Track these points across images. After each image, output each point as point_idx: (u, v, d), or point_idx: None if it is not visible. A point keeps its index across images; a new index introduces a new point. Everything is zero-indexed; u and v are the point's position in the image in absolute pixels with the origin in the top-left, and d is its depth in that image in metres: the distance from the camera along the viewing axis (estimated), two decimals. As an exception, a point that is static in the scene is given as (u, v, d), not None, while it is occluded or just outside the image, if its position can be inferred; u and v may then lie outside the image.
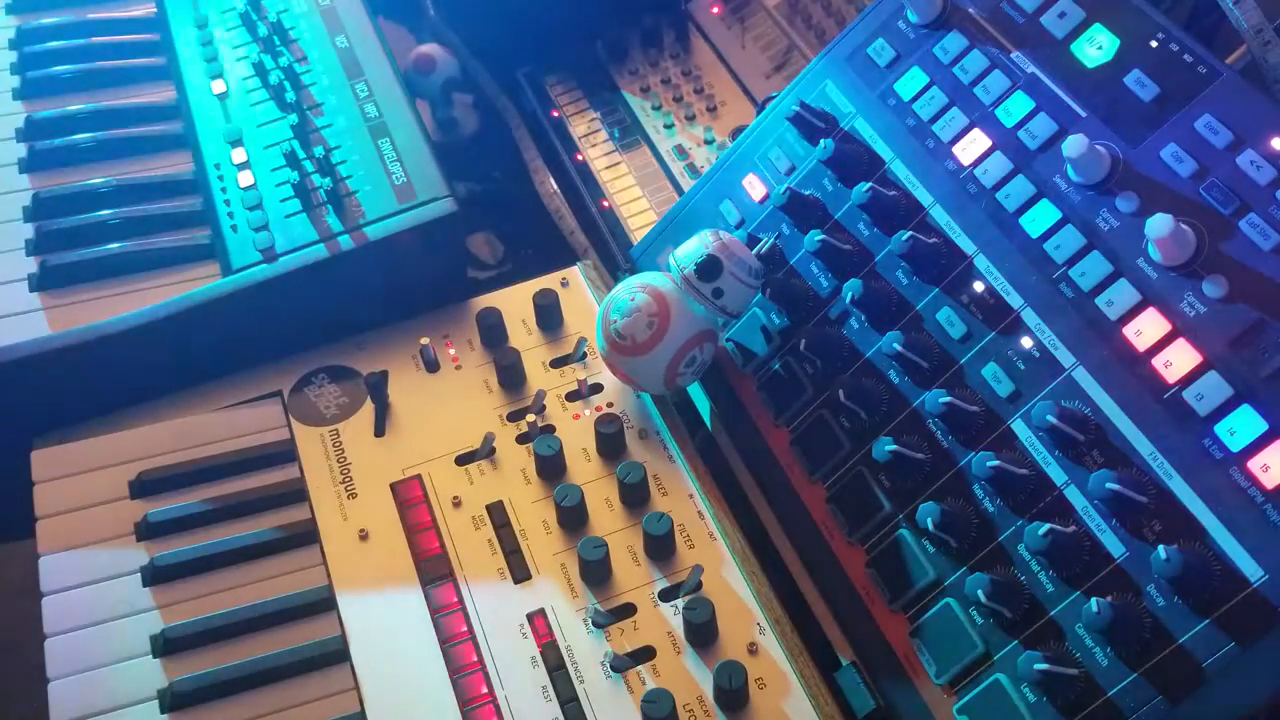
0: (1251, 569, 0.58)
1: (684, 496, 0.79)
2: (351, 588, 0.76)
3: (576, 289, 0.92)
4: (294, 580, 0.77)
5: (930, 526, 0.67)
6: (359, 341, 0.89)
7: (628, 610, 0.74)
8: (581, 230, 1.04)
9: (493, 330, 0.88)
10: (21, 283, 0.88)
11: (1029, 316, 0.70)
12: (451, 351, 0.89)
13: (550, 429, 0.83)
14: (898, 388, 0.74)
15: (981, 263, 0.73)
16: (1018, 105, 0.75)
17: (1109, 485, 0.61)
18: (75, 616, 0.75)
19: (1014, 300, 0.71)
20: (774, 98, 0.89)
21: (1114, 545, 0.63)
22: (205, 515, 0.79)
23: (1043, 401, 0.66)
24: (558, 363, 0.88)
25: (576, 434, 0.83)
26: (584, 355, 0.88)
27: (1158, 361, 0.64)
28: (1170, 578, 0.59)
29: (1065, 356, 0.68)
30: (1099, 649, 0.61)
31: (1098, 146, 0.69)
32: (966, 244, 0.74)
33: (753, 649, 0.72)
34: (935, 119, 0.78)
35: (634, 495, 0.78)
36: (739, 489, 0.81)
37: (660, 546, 0.75)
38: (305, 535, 0.79)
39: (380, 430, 0.84)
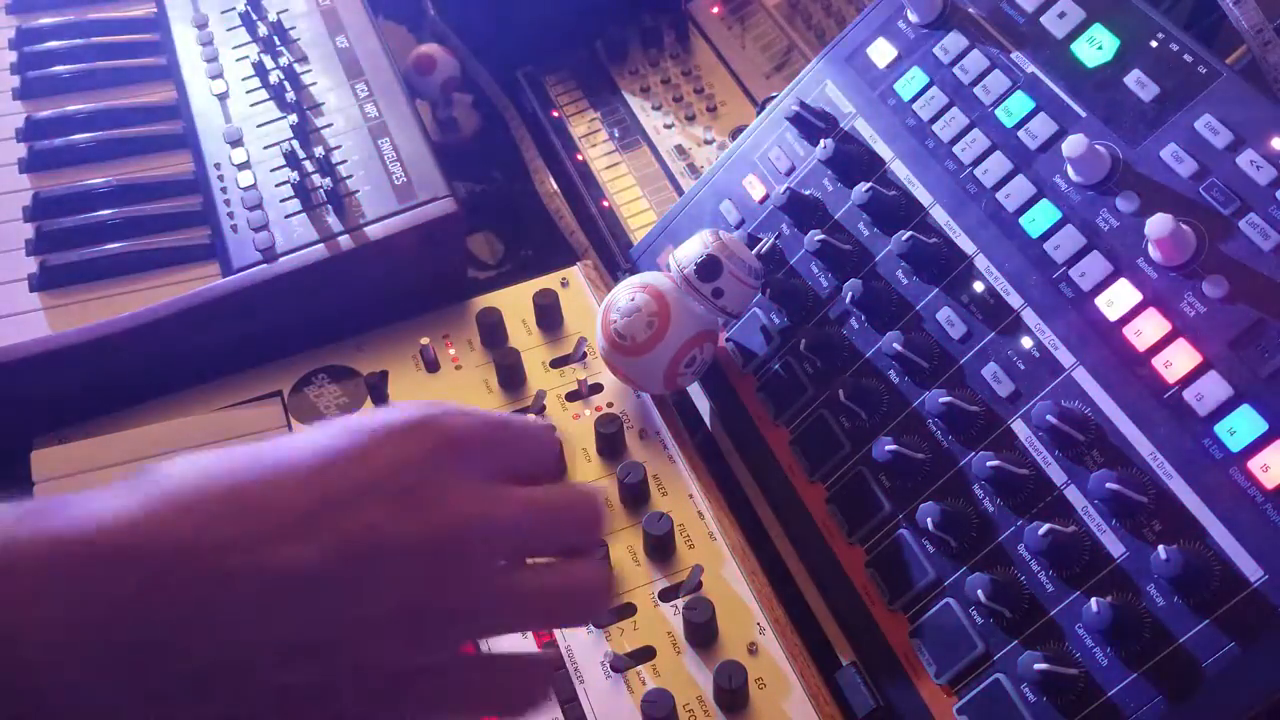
0: (1251, 569, 0.58)
1: (684, 496, 0.79)
2: (351, 588, 0.76)
3: (576, 289, 0.92)
4: (294, 580, 0.77)
5: (930, 526, 0.67)
6: (359, 341, 0.89)
7: (628, 610, 0.74)
8: (581, 230, 1.04)
9: (493, 330, 0.88)
10: (21, 283, 0.88)
11: (1029, 316, 0.70)
12: (451, 351, 0.89)
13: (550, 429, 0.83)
14: (898, 388, 0.74)
15: (981, 263, 0.73)
16: (1018, 105, 0.75)
17: (1109, 485, 0.61)
18: (75, 616, 0.75)
19: (1014, 300, 0.71)
20: (774, 98, 0.89)
21: (1114, 545, 0.63)
22: (205, 515, 0.79)
23: (1043, 401, 0.66)
24: (558, 363, 0.88)
25: (576, 434, 0.83)
26: (584, 355, 0.88)
27: (1158, 361, 0.64)
28: (1170, 578, 0.59)
29: (1065, 356, 0.68)
30: (1099, 649, 0.61)
31: (1098, 146, 0.69)
32: (966, 244, 0.74)
33: (753, 649, 0.72)
34: (935, 119, 0.78)
35: (634, 495, 0.78)
36: (739, 489, 0.81)
37: (660, 546, 0.75)
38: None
39: (380, 430, 0.84)
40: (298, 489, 0.46)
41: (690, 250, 0.78)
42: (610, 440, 0.81)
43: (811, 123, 0.82)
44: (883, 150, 0.80)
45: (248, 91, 0.98)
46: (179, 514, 0.44)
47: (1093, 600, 0.60)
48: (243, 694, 0.45)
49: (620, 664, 0.71)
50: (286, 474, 0.46)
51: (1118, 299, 0.66)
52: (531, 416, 0.59)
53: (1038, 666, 0.60)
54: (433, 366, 0.88)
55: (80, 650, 0.42)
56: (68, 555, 0.43)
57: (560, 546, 0.54)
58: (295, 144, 0.92)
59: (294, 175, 0.89)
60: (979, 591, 0.64)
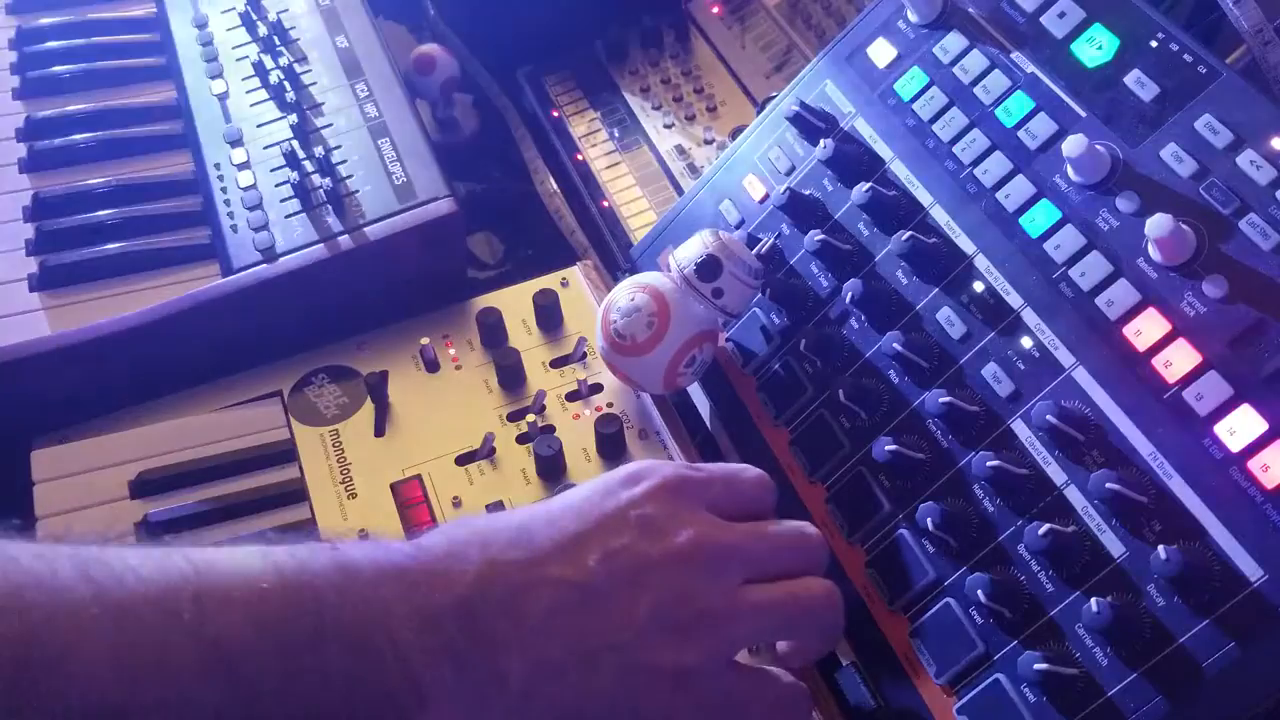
0: (1251, 569, 0.58)
1: (684, 496, 0.79)
2: (351, 588, 0.76)
3: (576, 289, 0.92)
4: (294, 580, 0.77)
5: (930, 526, 0.67)
6: (359, 341, 0.89)
7: (628, 610, 0.74)
8: (581, 230, 1.04)
9: (493, 330, 0.88)
10: (21, 283, 0.88)
11: (1029, 316, 0.70)
12: (451, 351, 0.89)
13: (550, 429, 0.83)
14: (898, 388, 0.74)
15: (981, 263, 0.73)
16: (1018, 105, 0.75)
17: (1109, 485, 0.61)
18: (75, 616, 0.75)
19: (1014, 300, 0.71)
20: (774, 98, 0.89)
21: (1114, 545, 0.63)
22: (205, 515, 0.79)
23: (1043, 401, 0.66)
24: (558, 363, 0.88)
25: (576, 434, 0.83)
26: (584, 355, 0.88)
27: (1158, 361, 0.64)
28: (1170, 578, 0.59)
29: (1065, 356, 0.68)
30: (1099, 649, 0.61)
31: (1098, 146, 0.69)
32: (966, 244, 0.74)
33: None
34: (935, 119, 0.78)
35: (634, 495, 0.78)
36: (739, 489, 0.81)
37: (660, 546, 0.75)
38: (305, 536, 0.79)
39: (380, 430, 0.84)
40: (565, 524, 0.59)
41: (690, 250, 0.78)
42: (610, 440, 0.81)
43: (811, 123, 0.82)
44: (883, 150, 0.80)
45: (248, 91, 0.98)
46: (480, 546, 0.57)
47: (1093, 600, 0.60)
48: (549, 692, 0.55)
49: (620, 664, 0.71)
50: (556, 515, 0.60)
51: (1118, 299, 0.66)
52: (740, 466, 0.69)
53: (1038, 666, 0.60)
54: (433, 366, 0.88)
55: (436, 642, 0.53)
56: (398, 575, 0.54)
57: (786, 569, 0.63)
58: (295, 144, 0.92)
59: (294, 175, 0.89)
60: (979, 591, 0.64)
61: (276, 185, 0.90)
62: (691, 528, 0.60)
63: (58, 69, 1.04)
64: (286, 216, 0.88)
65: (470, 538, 0.58)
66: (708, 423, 0.86)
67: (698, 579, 0.59)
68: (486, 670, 0.54)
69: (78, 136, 0.98)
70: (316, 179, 0.89)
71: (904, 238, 0.74)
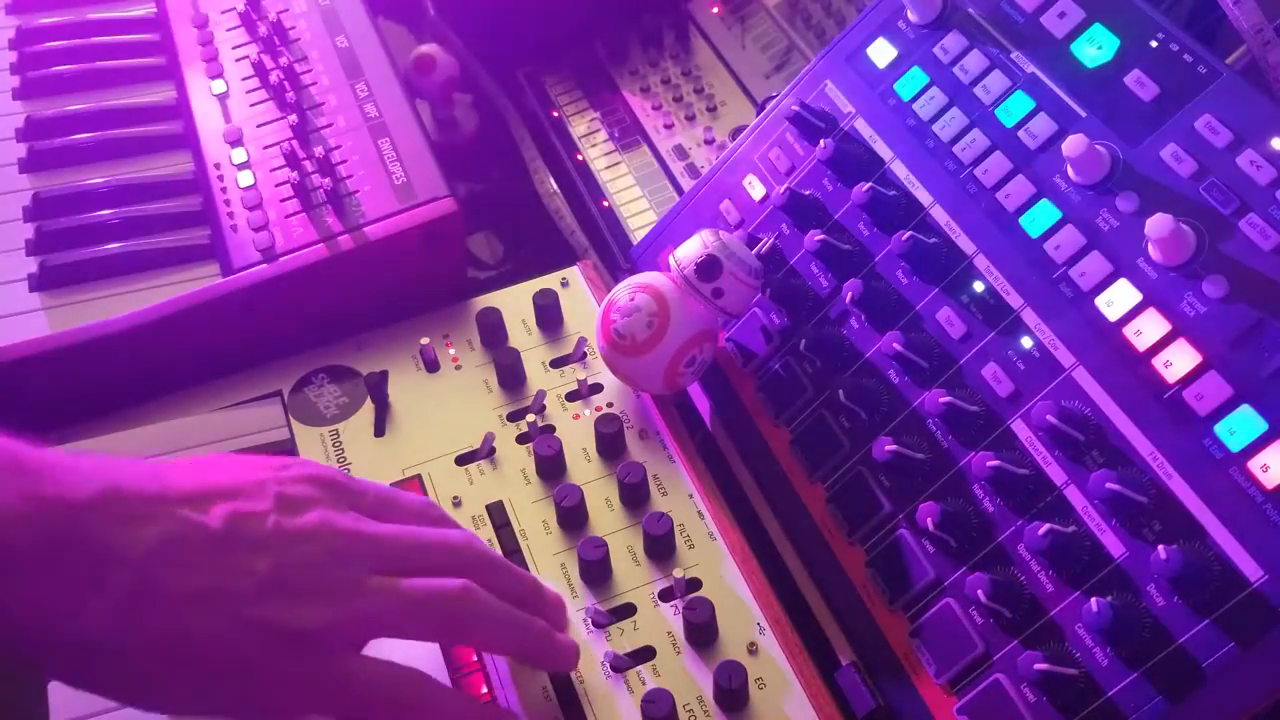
0: (1251, 569, 0.58)
1: (684, 496, 0.79)
2: (351, 588, 0.76)
3: (576, 289, 0.92)
4: (294, 580, 0.77)
5: (930, 526, 0.67)
6: (359, 341, 0.89)
7: (628, 610, 0.74)
8: (581, 230, 1.04)
9: (493, 330, 0.88)
10: (21, 283, 0.88)
11: (1029, 316, 0.70)
12: (451, 351, 0.89)
13: (550, 429, 0.83)
14: (897, 388, 0.74)
15: (981, 263, 0.73)
16: (1018, 105, 0.75)
17: (1109, 485, 0.61)
18: (75, 616, 0.75)
19: (1014, 300, 0.71)
20: (774, 98, 0.89)
21: (1114, 545, 0.63)
22: (205, 515, 0.79)
23: (1043, 401, 0.66)
24: (558, 363, 0.88)
25: (576, 434, 0.83)
26: (584, 355, 0.88)
27: (1158, 361, 0.64)
28: (1170, 578, 0.59)
29: (1065, 356, 0.68)
30: (1099, 649, 0.61)
31: (1097, 146, 0.69)
32: (966, 244, 0.74)
33: (753, 649, 0.72)
34: (935, 119, 0.78)
35: (634, 495, 0.78)
36: (739, 489, 0.81)
37: (660, 546, 0.75)
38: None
39: (380, 430, 0.84)
40: (203, 476, 0.59)
41: (690, 250, 0.78)
42: (610, 440, 0.81)
43: (811, 123, 0.82)
44: (883, 150, 0.80)
45: (248, 91, 0.99)
46: (103, 470, 0.57)
47: (1093, 600, 0.60)
48: (150, 615, 0.54)
49: (620, 664, 0.71)
50: (196, 466, 0.61)
51: (1118, 299, 0.66)
52: (402, 491, 0.70)
53: (1038, 666, 0.60)
54: (433, 366, 0.88)
55: (40, 524, 0.53)
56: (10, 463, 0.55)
57: (430, 569, 0.63)
58: (295, 144, 0.92)
59: (294, 175, 0.89)
60: (979, 591, 0.64)
61: (276, 185, 0.90)
62: (323, 512, 0.61)
63: (58, 69, 1.04)
64: (286, 216, 0.89)
65: (98, 464, 0.57)
66: (708, 423, 0.86)
67: (320, 557, 0.59)
68: (84, 569, 0.53)
69: (78, 136, 0.98)
70: (316, 179, 0.89)
71: (904, 238, 0.74)
